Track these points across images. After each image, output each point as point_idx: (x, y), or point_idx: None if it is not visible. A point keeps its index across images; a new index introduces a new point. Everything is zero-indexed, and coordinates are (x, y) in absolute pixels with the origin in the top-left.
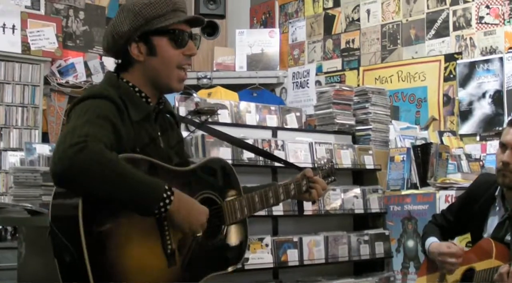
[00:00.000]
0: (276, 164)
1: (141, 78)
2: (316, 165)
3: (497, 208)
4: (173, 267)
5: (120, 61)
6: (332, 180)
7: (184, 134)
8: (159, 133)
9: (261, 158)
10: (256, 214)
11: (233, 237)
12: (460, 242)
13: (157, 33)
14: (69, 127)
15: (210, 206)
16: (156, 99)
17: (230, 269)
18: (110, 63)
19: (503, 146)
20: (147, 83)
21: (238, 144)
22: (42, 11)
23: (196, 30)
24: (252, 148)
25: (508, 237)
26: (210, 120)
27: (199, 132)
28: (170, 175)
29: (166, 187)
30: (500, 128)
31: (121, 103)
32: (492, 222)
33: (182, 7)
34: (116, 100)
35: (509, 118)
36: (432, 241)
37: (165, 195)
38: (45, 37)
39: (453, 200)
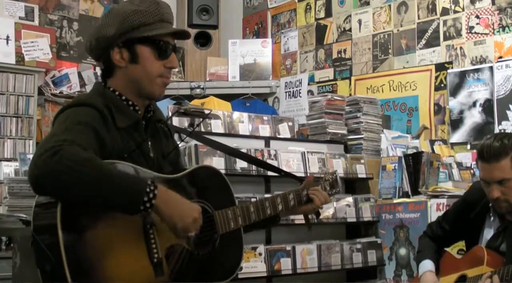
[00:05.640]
0: (270, 173)
1: (124, 85)
2: (320, 175)
3: (492, 219)
4: (161, 278)
5: (102, 66)
6: (336, 191)
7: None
8: (149, 142)
9: (254, 167)
10: None
11: (227, 249)
12: (451, 250)
13: (142, 42)
14: (48, 134)
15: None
16: (144, 107)
17: (222, 282)
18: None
19: (486, 182)
20: (130, 90)
21: (231, 152)
22: (36, 22)
23: (181, 43)
24: (245, 156)
25: (503, 247)
26: (203, 130)
27: (192, 142)
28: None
29: (149, 182)
30: None
31: (106, 111)
32: (487, 233)
33: (169, 18)
34: (100, 107)
35: (477, 150)
36: (427, 269)
37: (148, 189)
38: (39, 48)
39: (445, 208)
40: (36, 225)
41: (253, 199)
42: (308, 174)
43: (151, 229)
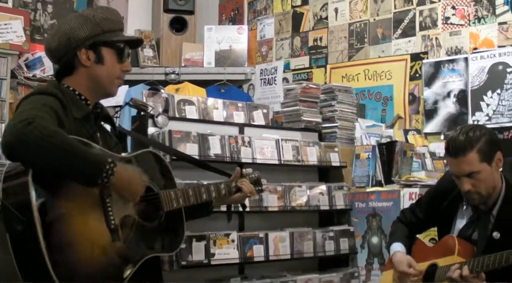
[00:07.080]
0: (243, 159)
1: (83, 82)
2: (245, 174)
3: (464, 208)
4: (117, 242)
5: (60, 65)
6: (259, 189)
7: (151, 130)
8: (98, 133)
9: (228, 153)
10: (223, 209)
11: (171, 225)
12: (424, 238)
13: (107, 45)
14: (17, 112)
15: (148, 193)
16: (93, 103)
17: (168, 253)
18: None
19: (456, 176)
20: (88, 87)
21: (168, 151)
22: (9, 4)
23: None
24: (181, 155)
25: (475, 235)
26: (177, 115)
27: (166, 128)
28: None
29: (109, 160)
30: None
31: (65, 101)
32: (460, 223)
33: (123, 28)
34: (60, 97)
35: (445, 145)
36: (397, 250)
37: (107, 167)
38: (13, 30)
39: (417, 198)
40: (5, 189)
41: None
42: (282, 162)
43: (107, 198)
